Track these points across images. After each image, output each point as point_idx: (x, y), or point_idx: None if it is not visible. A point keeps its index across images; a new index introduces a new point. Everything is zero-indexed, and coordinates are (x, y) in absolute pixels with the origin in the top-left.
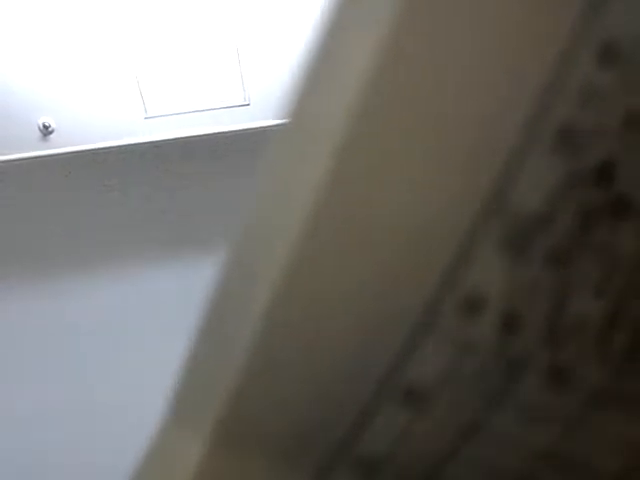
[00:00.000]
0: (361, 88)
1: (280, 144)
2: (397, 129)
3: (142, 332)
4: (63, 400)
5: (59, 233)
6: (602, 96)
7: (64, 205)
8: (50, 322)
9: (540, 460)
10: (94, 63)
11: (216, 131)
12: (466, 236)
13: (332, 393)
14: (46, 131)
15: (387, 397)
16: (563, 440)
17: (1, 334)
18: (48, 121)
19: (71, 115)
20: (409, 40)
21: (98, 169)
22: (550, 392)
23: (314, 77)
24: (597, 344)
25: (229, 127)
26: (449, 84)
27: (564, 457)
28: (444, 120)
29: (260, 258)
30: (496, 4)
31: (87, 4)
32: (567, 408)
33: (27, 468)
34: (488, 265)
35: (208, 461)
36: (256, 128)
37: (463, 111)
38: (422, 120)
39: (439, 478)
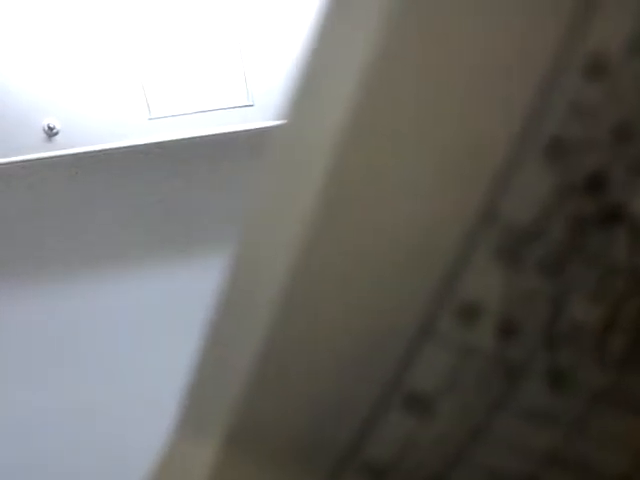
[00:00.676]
0: (355, 100)
1: (276, 156)
2: (387, 149)
3: (150, 332)
4: (72, 401)
5: (64, 234)
6: (590, 109)
7: (69, 206)
8: (57, 323)
9: (543, 462)
10: (98, 65)
11: (220, 131)
12: (462, 247)
13: (337, 400)
14: (51, 132)
15: (391, 403)
16: (565, 442)
17: (7, 334)
18: (53, 122)
19: (75, 116)
20: (398, 56)
21: (103, 170)
22: (551, 395)
23: (311, 82)
24: (595, 348)
25: (233, 127)
26: (440, 103)
27: (567, 459)
28: (436, 134)
29: (263, 270)
30: (483, 24)
31: (91, 7)
32: (568, 410)
33: (29, 471)
34: (484, 274)
35: (220, 469)
36: (260, 128)
37: (454, 127)
38: (413, 136)
39: None
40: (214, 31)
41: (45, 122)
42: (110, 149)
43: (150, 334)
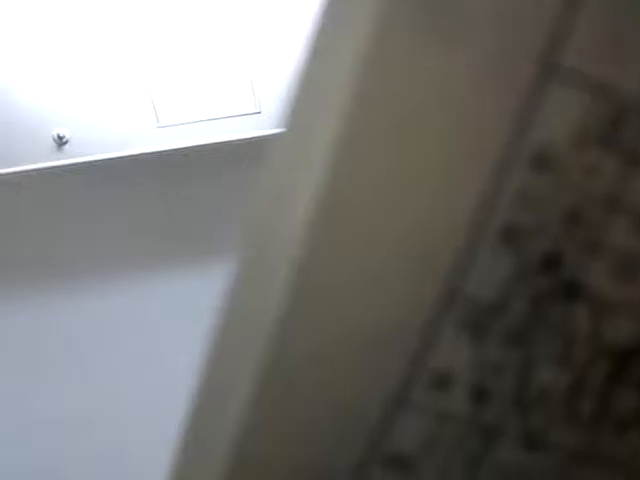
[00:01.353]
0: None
1: (278, 161)
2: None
3: (154, 341)
4: (77, 408)
5: (74, 243)
6: (539, 198)
7: (79, 215)
8: (63, 330)
9: None
10: (107, 74)
11: (228, 139)
12: (428, 324)
13: (323, 458)
14: (60, 142)
15: (374, 464)
16: None
17: (16, 342)
18: (62, 132)
19: (85, 126)
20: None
21: (112, 178)
22: (525, 455)
23: (309, 85)
24: (565, 410)
25: (241, 135)
26: (398, 194)
27: None
28: (395, 225)
29: (257, 300)
30: (435, 122)
31: (100, 15)
32: (543, 469)
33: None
34: (452, 346)
35: None
36: (267, 136)
37: (413, 216)
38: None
39: None
40: (221, 40)
41: (55, 132)
42: (119, 157)
43: (154, 343)
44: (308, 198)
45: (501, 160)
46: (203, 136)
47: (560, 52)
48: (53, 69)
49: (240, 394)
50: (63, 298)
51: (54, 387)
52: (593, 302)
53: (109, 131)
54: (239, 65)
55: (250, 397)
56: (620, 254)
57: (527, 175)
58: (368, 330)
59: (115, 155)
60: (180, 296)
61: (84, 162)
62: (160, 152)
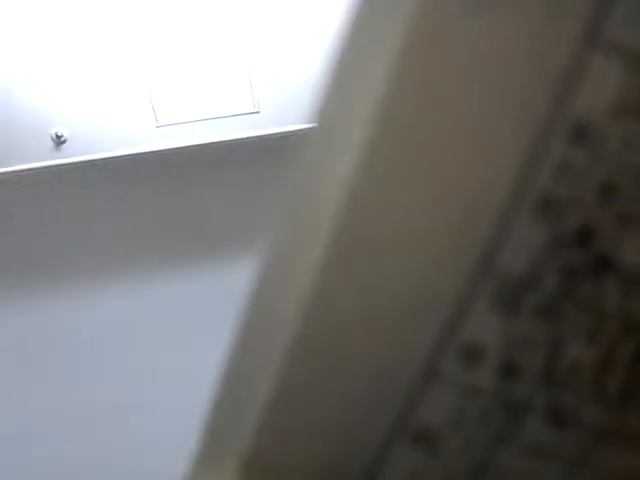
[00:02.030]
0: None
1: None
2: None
3: (153, 340)
4: (77, 408)
5: (72, 242)
6: (576, 171)
7: (77, 214)
8: (62, 331)
9: None
10: (105, 73)
11: (226, 139)
12: (461, 295)
13: (349, 433)
14: (58, 141)
15: (400, 439)
16: (566, 477)
17: (16, 343)
18: (60, 131)
19: (83, 125)
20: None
21: (110, 177)
22: (552, 432)
23: (338, 84)
24: (593, 387)
25: (239, 134)
26: (437, 163)
27: None
28: (433, 191)
29: (276, 305)
30: (479, 92)
31: (98, 14)
32: (569, 446)
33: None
34: (483, 321)
35: None
36: (266, 135)
37: (451, 186)
38: (412, 195)
39: None
40: (220, 39)
41: (53, 131)
42: (118, 157)
43: (154, 342)
44: (352, 157)
45: (541, 131)
46: (201, 135)
47: (604, 21)
48: (52, 68)
49: (273, 363)
50: (61, 297)
51: (54, 387)
52: (624, 277)
53: (107, 130)
54: (238, 65)
55: (284, 365)
56: None
57: (565, 146)
58: (403, 298)
59: (113, 154)
60: (180, 296)
61: (82, 161)
62: (158, 151)
